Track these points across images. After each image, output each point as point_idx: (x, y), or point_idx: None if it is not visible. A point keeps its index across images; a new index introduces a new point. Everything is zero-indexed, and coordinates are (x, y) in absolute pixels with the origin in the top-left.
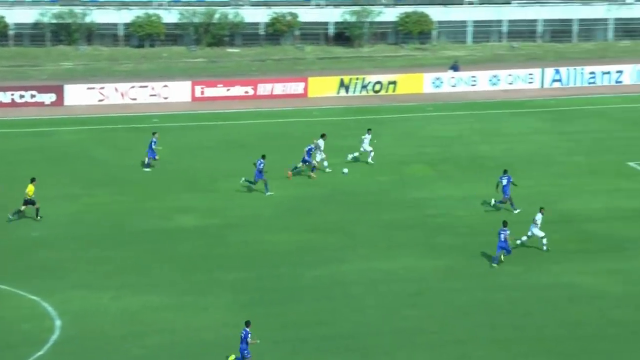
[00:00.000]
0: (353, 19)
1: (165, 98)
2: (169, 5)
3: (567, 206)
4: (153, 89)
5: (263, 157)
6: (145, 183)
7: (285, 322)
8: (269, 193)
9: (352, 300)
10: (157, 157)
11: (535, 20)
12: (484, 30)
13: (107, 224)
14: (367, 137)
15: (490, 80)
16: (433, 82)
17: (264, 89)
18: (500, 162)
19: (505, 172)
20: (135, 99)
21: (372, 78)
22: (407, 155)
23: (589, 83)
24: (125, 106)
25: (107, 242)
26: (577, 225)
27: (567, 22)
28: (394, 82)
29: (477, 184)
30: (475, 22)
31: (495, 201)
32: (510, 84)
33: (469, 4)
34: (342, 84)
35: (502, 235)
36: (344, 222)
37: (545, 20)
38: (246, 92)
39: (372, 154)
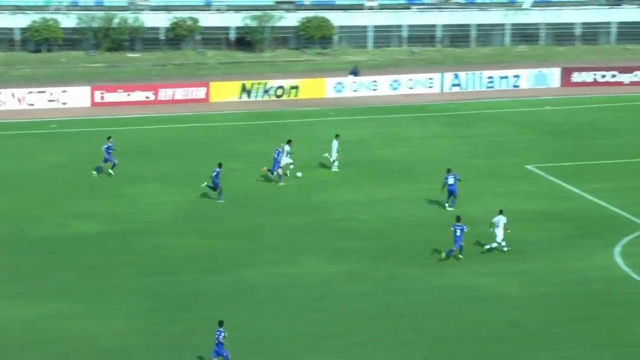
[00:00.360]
0: (254, 24)
1: (64, 103)
2: (67, 10)
3: (467, 209)
4: (51, 94)
5: (220, 165)
6: (44, 190)
7: (189, 328)
8: (220, 201)
9: (256, 306)
10: (116, 162)
11: (434, 26)
12: (385, 35)
13: (2, 231)
14: (335, 143)
15: (391, 85)
16: (335, 87)
17: (165, 94)
18: (402, 166)
19: (449, 171)
20: (32, 105)
21: (274, 83)
22: (310, 159)
23: (487, 87)
24: (22, 112)
25: (1, 250)
26: (476, 228)
27: (465, 27)
28: (296, 87)
29: (380, 187)
30: (375, 27)
31: (447, 205)
32: (410, 88)
33: (369, 9)
34: (244, 88)
35: (457, 231)
36: (249, 227)
37: (444, 26)
38: (147, 97)
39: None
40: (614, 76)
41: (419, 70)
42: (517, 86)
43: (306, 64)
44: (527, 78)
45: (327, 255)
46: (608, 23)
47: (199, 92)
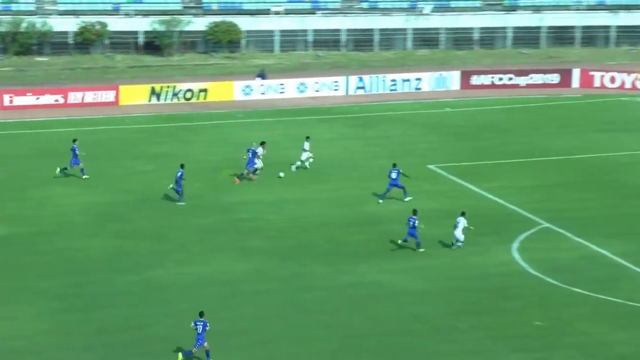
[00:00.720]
0: (162, 28)
1: None
2: None
3: (372, 208)
4: None
5: (182, 166)
6: None
7: (100, 328)
8: (181, 203)
9: (167, 305)
10: (81, 164)
11: (338, 30)
12: (291, 40)
13: None
14: (306, 145)
15: (297, 88)
16: (243, 90)
17: (74, 97)
18: (309, 167)
19: (394, 165)
20: None
21: (183, 86)
22: (218, 161)
23: (391, 90)
24: None
25: None
26: (381, 226)
27: (369, 31)
28: (205, 90)
29: (288, 188)
30: (282, 31)
31: (405, 198)
32: (316, 91)
33: (276, 14)
34: (153, 92)
35: (411, 222)
36: (158, 227)
37: (349, 30)
38: (56, 100)
39: (312, 160)
40: (510, 79)
41: (324, 73)
42: (419, 89)
43: (214, 67)
44: (428, 81)
45: (235, 255)
46: (504, 28)
47: (108, 95)
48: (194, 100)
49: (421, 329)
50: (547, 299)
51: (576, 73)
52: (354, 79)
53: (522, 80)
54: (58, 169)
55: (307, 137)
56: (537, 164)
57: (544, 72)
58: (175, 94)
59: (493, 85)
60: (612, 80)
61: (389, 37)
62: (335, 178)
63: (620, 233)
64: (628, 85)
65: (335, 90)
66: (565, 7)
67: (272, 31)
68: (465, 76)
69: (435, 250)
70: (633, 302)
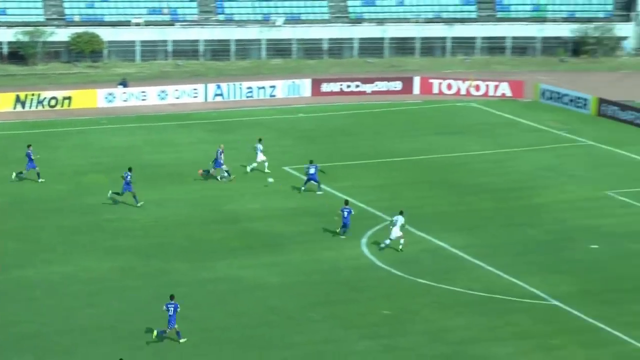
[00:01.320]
0: (26, 39)
1: None
2: None
3: (231, 207)
4: None
5: (130, 169)
6: None
7: None
8: (139, 204)
9: (33, 303)
10: (37, 168)
11: (197, 41)
12: (151, 50)
13: None
14: (259, 147)
15: (159, 95)
16: (106, 97)
17: None
18: (171, 170)
19: (311, 162)
20: None
21: (47, 94)
22: (83, 165)
23: (247, 97)
24: None
25: None
26: (239, 225)
27: (225, 42)
28: (69, 98)
29: (150, 190)
30: (142, 42)
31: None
32: (177, 98)
33: (136, 25)
34: (18, 99)
35: (345, 212)
36: (25, 228)
37: (206, 41)
38: None
39: (267, 163)
40: (357, 86)
41: (184, 81)
42: (274, 95)
43: (78, 76)
44: (282, 88)
45: (101, 254)
46: (351, 39)
47: None
48: (58, 107)
49: (278, 320)
50: (394, 290)
51: (417, 81)
52: (212, 87)
53: (368, 88)
54: (14, 174)
55: (260, 140)
56: (383, 165)
57: (388, 79)
58: (40, 102)
59: (342, 92)
60: (449, 87)
61: (245, 48)
62: (196, 180)
63: (458, 228)
64: (463, 91)
65: (195, 97)
66: (406, 20)
67: (133, 41)
68: (316, 84)
69: (290, 246)
70: (471, 290)
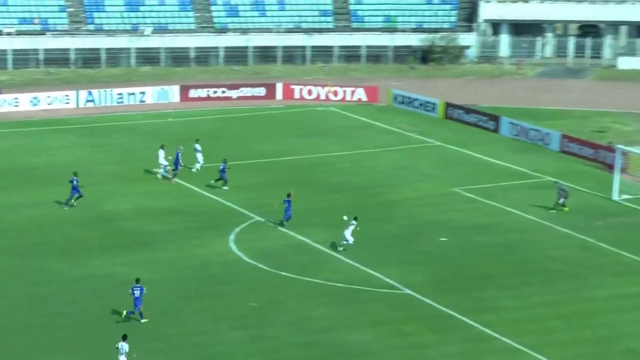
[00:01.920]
0: None
1: None
2: None
3: (105, 207)
4: None
5: (75, 174)
6: None
7: None
8: (65, 207)
9: None
10: None
11: (68, 49)
12: (23, 58)
13: None
14: (197, 147)
15: (31, 102)
16: None
17: None
18: (44, 173)
19: (224, 160)
20: None
21: None
22: None
23: (118, 102)
24: None
25: None
26: (113, 224)
27: (96, 50)
28: None
29: (24, 191)
30: (14, 50)
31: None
32: (49, 104)
33: (8, 34)
34: None
35: (286, 203)
36: None
37: (77, 49)
38: None
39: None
40: (223, 92)
41: (56, 88)
42: (143, 101)
43: None
44: (151, 94)
45: None
46: (217, 48)
47: None
48: None
49: (150, 314)
50: (260, 283)
51: (279, 87)
52: (83, 93)
53: (233, 93)
54: None
55: (197, 140)
56: (249, 166)
57: (252, 86)
58: None
59: (209, 98)
60: (310, 92)
61: (115, 56)
62: (66, 182)
63: (319, 224)
64: (323, 97)
65: (67, 103)
66: (268, 30)
67: (5, 50)
68: (184, 90)
69: (161, 244)
70: (331, 282)
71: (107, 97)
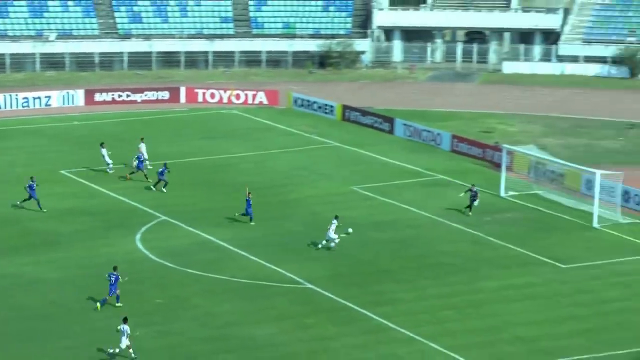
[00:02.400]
0: None
1: None
2: None
3: (12, 209)
4: None
5: (32, 178)
6: None
7: None
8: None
9: None
10: None
11: None
12: None
13: None
14: (142, 146)
15: None
16: None
17: None
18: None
19: (164, 164)
20: None
21: None
22: None
23: (23, 106)
24: None
25: None
26: (20, 224)
27: (1, 56)
28: None
29: None
30: None
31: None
32: None
33: None
34: None
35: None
36: None
37: None
38: None
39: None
40: (128, 96)
41: None
42: (49, 105)
43: None
44: (56, 98)
45: None
46: (121, 53)
47: None
48: None
49: (58, 312)
50: (166, 280)
51: (183, 90)
52: None
53: (138, 97)
54: None
55: (142, 139)
56: (154, 167)
57: (156, 89)
58: None
59: (114, 101)
60: (212, 96)
61: (19, 61)
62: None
63: (224, 222)
64: (225, 100)
65: None
66: (171, 36)
67: None
68: (90, 94)
69: (67, 244)
70: (236, 278)
71: (13, 102)
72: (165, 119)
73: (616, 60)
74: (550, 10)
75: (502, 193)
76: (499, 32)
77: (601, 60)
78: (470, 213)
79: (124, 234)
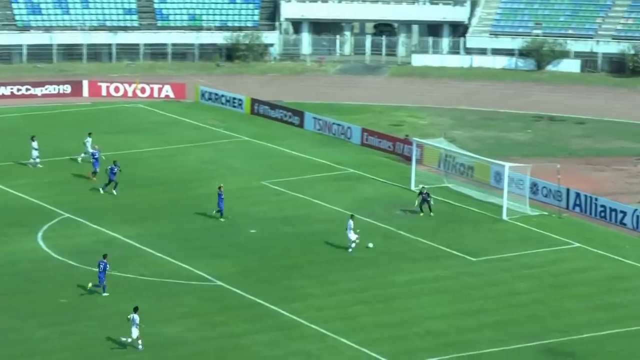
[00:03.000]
0: None
1: None
2: None
3: None
4: None
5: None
6: None
7: None
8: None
9: None
10: None
11: None
12: None
13: None
14: (88, 140)
15: None
16: None
17: None
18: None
19: (114, 162)
20: None
21: None
22: None
23: None
24: None
25: None
26: None
27: None
28: None
29: None
30: None
31: (102, 187)
32: None
33: None
34: None
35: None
36: None
37: None
38: None
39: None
40: (27, 89)
41: None
42: None
43: None
44: None
45: None
46: (20, 45)
47: None
48: None
49: None
50: (69, 279)
51: (86, 84)
52: None
53: (38, 91)
54: None
55: (89, 133)
56: (56, 163)
57: (58, 83)
58: None
59: (13, 95)
60: (117, 89)
61: None
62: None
63: (130, 219)
64: (130, 94)
65: None
66: (72, 28)
67: None
68: None
69: None
70: (142, 276)
71: None
72: (68, 114)
73: (523, 53)
74: (458, 3)
75: (413, 186)
76: (407, 25)
77: (509, 52)
78: (432, 214)
79: (25, 232)
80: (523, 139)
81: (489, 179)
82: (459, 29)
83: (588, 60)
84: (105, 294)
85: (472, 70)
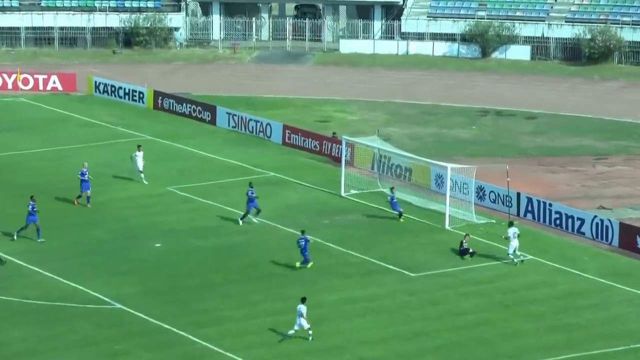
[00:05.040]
0: None
1: None
2: None
3: None
4: None
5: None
6: None
7: None
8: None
9: None
10: None
11: None
12: None
13: None
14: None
15: None
16: None
17: None
18: None
19: (83, 165)
20: None
21: None
22: None
23: None
24: None
25: None
26: None
27: None
28: None
29: None
30: None
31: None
32: None
33: None
34: None
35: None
36: None
37: None
38: None
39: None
40: None
41: None
42: None
43: None
44: None
45: None
46: None
47: None
48: None
49: None
50: None
51: None
52: None
53: None
54: None
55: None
56: None
57: None
58: None
59: None
60: None
61: None
62: None
63: (12, 232)
64: (10, 86)
65: None
66: None
67: None
68: None
69: None
70: (27, 299)
71: None
72: None
73: (466, 38)
74: None
75: (343, 192)
76: (334, 6)
77: (449, 38)
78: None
79: None
80: (467, 137)
81: (429, 183)
82: (392, 11)
83: (539, 46)
84: (40, 240)
85: (409, 58)
